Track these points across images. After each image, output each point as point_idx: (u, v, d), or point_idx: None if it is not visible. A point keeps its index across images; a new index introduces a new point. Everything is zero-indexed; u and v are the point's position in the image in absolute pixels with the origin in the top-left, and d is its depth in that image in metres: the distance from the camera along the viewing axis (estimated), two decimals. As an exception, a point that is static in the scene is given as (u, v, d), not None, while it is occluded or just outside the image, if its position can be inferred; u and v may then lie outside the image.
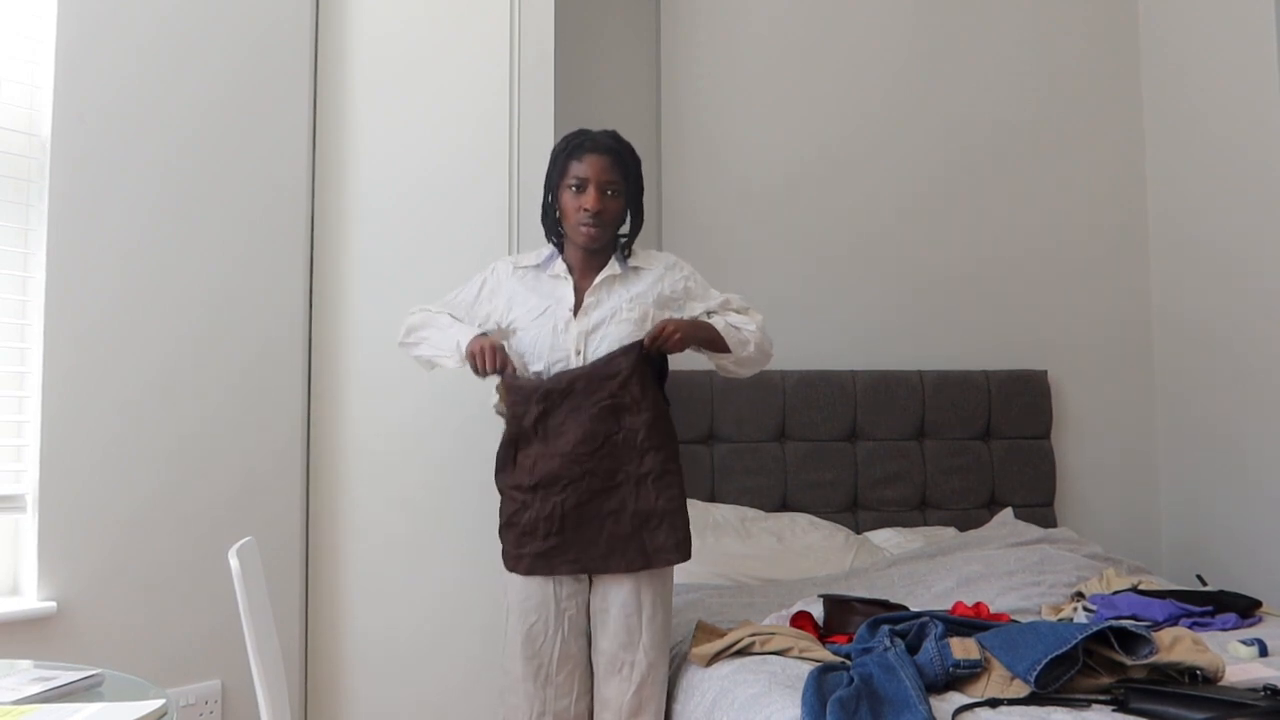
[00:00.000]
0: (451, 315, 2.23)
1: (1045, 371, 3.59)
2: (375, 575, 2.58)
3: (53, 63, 2.19)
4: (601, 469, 2.05)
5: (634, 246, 2.22)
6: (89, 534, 2.20)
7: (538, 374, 2.11)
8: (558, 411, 2.06)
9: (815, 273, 3.52)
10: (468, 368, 2.11)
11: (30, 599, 2.13)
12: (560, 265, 2.17)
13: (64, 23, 2.20)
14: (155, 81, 2.35)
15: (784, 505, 3.30)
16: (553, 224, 2.21)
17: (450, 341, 2.15)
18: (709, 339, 2.13)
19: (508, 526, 2.13)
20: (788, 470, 3.31)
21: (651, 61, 3.50)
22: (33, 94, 2.20)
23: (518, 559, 2.10)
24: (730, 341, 2.14)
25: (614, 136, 2.16)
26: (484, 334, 2.14)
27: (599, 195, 2.09)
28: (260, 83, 2.55)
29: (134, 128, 2.31)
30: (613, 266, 2.16)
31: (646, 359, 2.09)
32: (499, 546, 2.20)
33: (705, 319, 2.16)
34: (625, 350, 2.08)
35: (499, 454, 2.16)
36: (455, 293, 2.27)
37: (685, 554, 2.10)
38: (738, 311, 2.21)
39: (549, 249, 2.23)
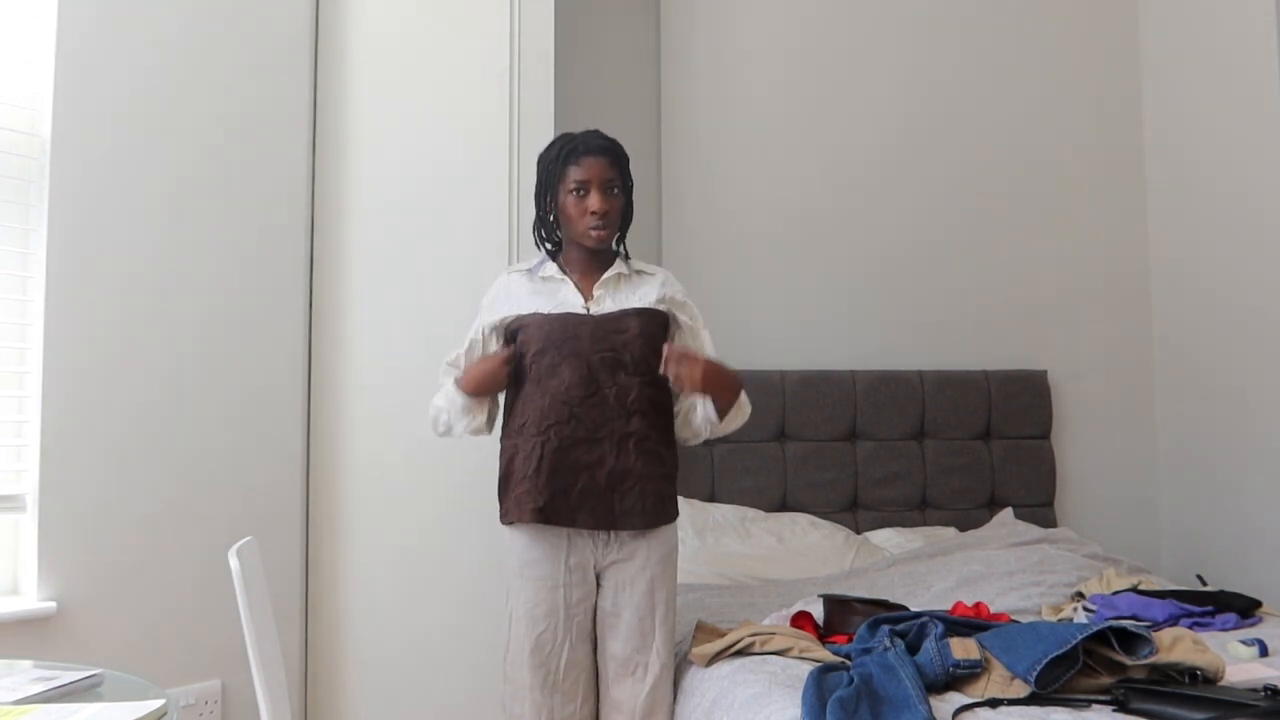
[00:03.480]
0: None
1: (1045, 371, 3.59)
2: (375, 575, 2.58)
3: (53, 62, 2.19)
4: (587, 418, 2.03)
5: (634, 256, 2.22)
6: (89, 534, 2.21)
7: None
8: (557, 353, 2.05)
9: (816, 272, 3.52)
10: (482, 416, 2.16)
11: (30, 599, 2.13)
12: (552, 267, 2.16)
13: (64, 22, 2.20)
14: (155, 81, 2.36)
15: (784, 505, 3.30)
16: (548, 233, 2.19)
17: (451, 403, 2.13)
18: (727, 386, 2.10)
19: (501, 481, 2.13)
20: (788, 470, 3.31)
21: (651, 60, 3.50)
22: (33, 94, 2.20)
23: (504, 511, 2.11)
24: (735, 409, 2.14)
25: (602, 135, 2.15)
26: (464, 369, 2.14)
27: (603, 196, 2.09)
28: (260, 81, 2.55)
29: (133, 127, 2.32)
30: (619, 265, 2.16)
31: (657, 328, 2.11)
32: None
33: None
34: (639, 311, 2.09)
35: (505, 399, 2.16)
36: (472, 340, 2.21)
37: (653, 521, 2.08)
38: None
39: (538, 255, 2.22)
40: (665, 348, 2.01)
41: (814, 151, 3.55)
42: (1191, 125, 3.56)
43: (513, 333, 2.14)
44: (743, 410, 2.17)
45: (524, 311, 2.12)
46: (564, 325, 2.06)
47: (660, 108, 3.49)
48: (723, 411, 2.13)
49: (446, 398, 2.14)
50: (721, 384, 2.08)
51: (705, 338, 2.21)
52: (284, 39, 2.61)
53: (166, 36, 2.38)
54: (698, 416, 2.14)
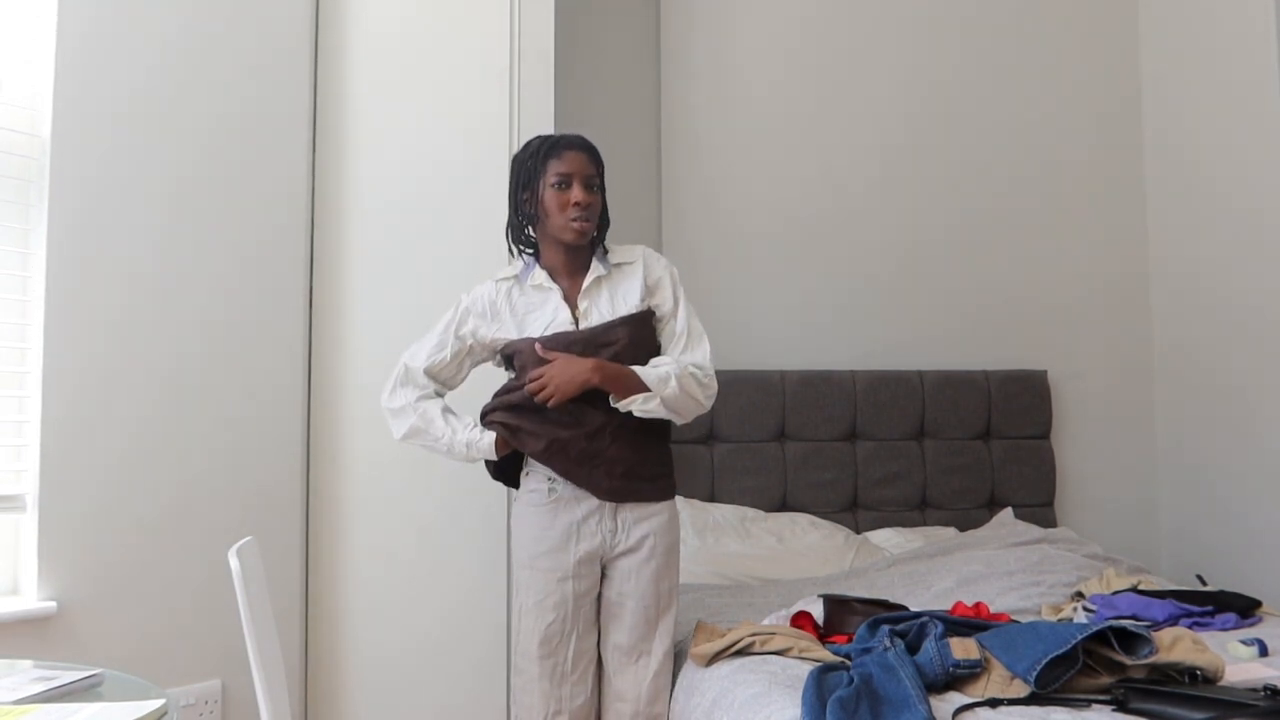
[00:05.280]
0: (431, 396, 2.17)
1: (1045, 371, 3.59)
2: (375, 575, 2.58)
3: (53, 62, 2.19)
4: (587, 420, 2.06)
5: (608, 244, 2.23)
6: (89, 534, 2.21)
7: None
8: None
9: (816, 272, 3.52)
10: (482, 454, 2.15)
11: (30, 599, 2.13)
12: (540, 274, 2.16)
13: (64, 22, 2.21)
14: (155, 81, 2.36)
15: (784, 505, 3.30)
16: (523, 236, 2.19)
17: (458, 449, 2.13)
18: (610, 380, 2.03)
19: (502, 469, 2.15)
20: (788, 470, 3.31)
21: (651, 60, 3.51)
22: (33, 94, 2.20)
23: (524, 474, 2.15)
24: (650, 380, 2.04)
25: (580, 135, 2.19)
26: (493, 434, 2.11)
27: (585, 189, 2.11)
28: (260, 81, 2.55)
29: (133, 127, 2.32)
30: (597, 268, 2.16)
31: (646, 330, 2.12)
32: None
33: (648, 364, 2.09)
34: (625, 320, 2.11)
35: (500, 395, 2.16)
36: (432, 347, 2.18)
37: (660, 495, 2.15)
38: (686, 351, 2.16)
39: (523, 262, 2.21)
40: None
41: (814, 152, 3.55)
42: (1191, 125, 3.56)
43: (508, 356, 2.16)
44: (666, 384, 2.04)
45: (514, 336, 2.13)
46: (554, 345, 2.08)
47: (660, 108, 3.48)
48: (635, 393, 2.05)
49: (459, 436, 2.11)
50: (577, 377, 2.01)
51: (681, 318, 2.16)
52: (284, 39, 2.61)
53: (166, 36, 2.38)
54: (647, 409, 2.06)
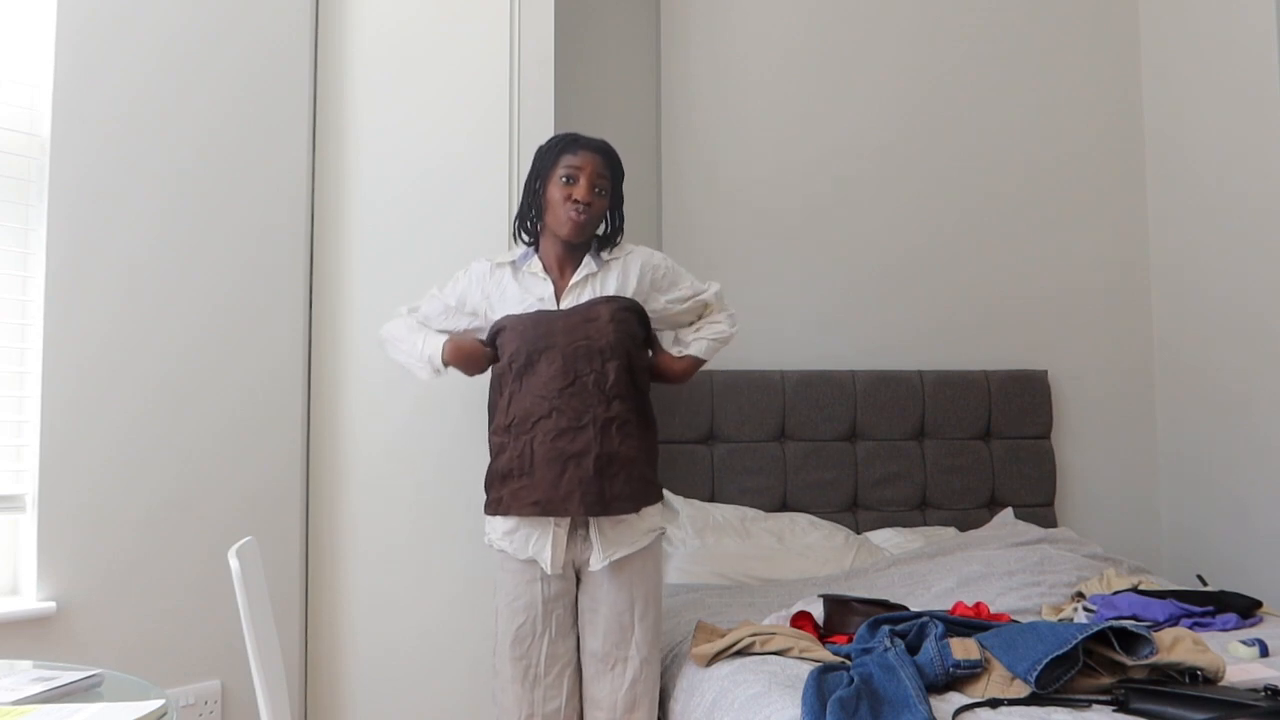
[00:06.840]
0: (423, 323, 2.30)
1: (1045, 371, 3.59)
2: (375, 575, 2.58)
3: (53, 62, 2.19)
4: (569, 408, 2.05)
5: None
6: (89, 534, 2.20)
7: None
8: (534, 349, 2.08)
9: (816, 272, 3.52)
10: (439, 376, 2.25)
11: (30, 599, 2.13)
12: (537, 263, 2.19)
13: (64, 20, 2.20)
14: (154, 81, 2.35)
15: (784, 505, 3.30)
16: (528, 225, 2.22)
17: (419, 354, 2.24)
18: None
19: (489, 474, 2.15)
20: (788, 470, 3.31)
21: (651, 61, 3.51)
22: (32, 93, 2.20)
23: (491, 502, 2.13)
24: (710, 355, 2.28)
25: (606, 143, 2.20)
26: (448, 336, 2.23)
27: (590, 188, 2.11)
28: (260, 81, 2.55)
29: (133, 126, 2.31)
30: (589, 265, 2.17)
31: (627, 312, 2.13)
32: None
33: (688, 343, 2.26)
34: (607, 299, 2.12)
35: (489, 400, 2.20)
36: (433, 296, 2.30)
37: (640, 504, 2.10)
38: (706, 304, 2.27)
39: (524, 248, 2.24)
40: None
41: (814, 152, 3.55)
42: (1191, 125, 3.56)
43: (492, 336, 2.18)
44: (721, 343, 2.28)
45: (498, 315, 2.16)
46: (537, 323, 2.10)
47: (660, 107, 3.49)
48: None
49: (420, 348, 2.24)
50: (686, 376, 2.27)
51: (685, 286, 2.25)
52: (284, 39, 2.61)
53: (166, 36, 2.37)
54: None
